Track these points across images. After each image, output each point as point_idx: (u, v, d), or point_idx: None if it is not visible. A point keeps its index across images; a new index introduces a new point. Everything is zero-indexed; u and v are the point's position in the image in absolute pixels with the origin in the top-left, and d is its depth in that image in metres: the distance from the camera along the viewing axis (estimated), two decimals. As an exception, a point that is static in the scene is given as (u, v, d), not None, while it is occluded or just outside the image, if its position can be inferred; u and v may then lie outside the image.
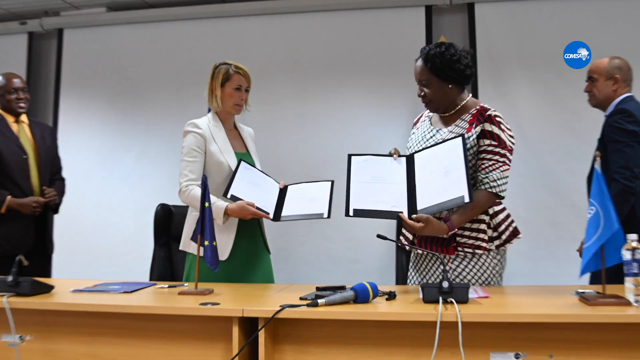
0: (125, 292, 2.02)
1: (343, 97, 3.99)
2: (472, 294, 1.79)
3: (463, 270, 2.15)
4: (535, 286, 2.24)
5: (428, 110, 2.37)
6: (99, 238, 4.15)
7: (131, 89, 4.26)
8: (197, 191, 2.39)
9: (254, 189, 2.44)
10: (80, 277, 2.78)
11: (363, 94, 3.97)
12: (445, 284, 1.65)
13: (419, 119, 2.44)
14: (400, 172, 2.17)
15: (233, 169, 2.47)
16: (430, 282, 2.23)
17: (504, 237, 2.17)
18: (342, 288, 1.89)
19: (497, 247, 2.17)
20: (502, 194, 2.13)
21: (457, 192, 2.01)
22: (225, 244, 2.44)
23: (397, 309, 1.68)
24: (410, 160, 2.20)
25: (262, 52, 4.02)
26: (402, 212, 2.06)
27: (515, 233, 2.20)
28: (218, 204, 2.38)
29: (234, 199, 2.37)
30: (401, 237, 2.33)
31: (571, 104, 3.68)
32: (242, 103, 2.57)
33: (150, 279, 2.94)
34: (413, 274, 2.34)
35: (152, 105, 4.23)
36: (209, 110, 2.67)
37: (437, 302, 1.62)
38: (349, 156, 2.22)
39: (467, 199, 2.00)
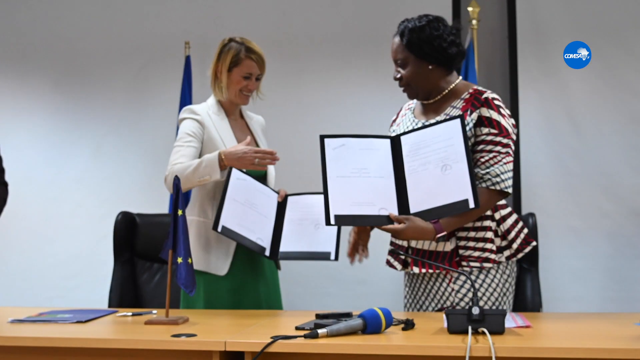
0: (78, 321, 2.04)
1: (346, 78, 4.01)
2: (509, 323, 1.82)
3: (469, 290, 2.20)
4: (589, 313, 2.28)
5: (408, 103, 2.46)
6: (44, 255, 4.17)
7: (83, 68, 4.28)
8: (179, 166, 2.43)
9: (249, 212, 2.45)
10: (20, 304, 2.82)
11: (371, 75, 3.99)
12: (476, 310, 1.68)
13: (397, 114, 2.52)
14: (386, 161, 2.22)
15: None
16: (427, 308, 2.29)
17: (515, 245, 2.24)
18: (348, 315, 1.91)
19: (507, 258, 2.24)
20: (507, 191, 2.19)
21: (458, 194, 2.08)
22: (223, 256, 2.49)
23: (416, 341, 1.70)
24: (396, 144, 2.23)
25: (246, 23, 4.04)
26: (391, 214, 2.14)
27: (527, 240, 2.27)
28: (207, 156, 2.40)
29: (226, 232, 2.39)
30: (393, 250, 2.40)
31: (639, 86, 3.71)
32: (250, 92, 2.62)
33: (110, 306, 2.97)
34: (408, 300, 2.40)
35: (110, 88, 4.25)
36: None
37: (465, 332, 1.64)
38: (322, 138, 2.23)
39: (472, 204, 2.06)
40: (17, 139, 4.26)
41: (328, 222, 2.15)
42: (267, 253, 2.45)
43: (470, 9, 3.81)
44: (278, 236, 2.49)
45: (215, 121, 2.58)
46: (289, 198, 2.57)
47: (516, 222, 2.28)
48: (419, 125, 2.32)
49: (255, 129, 2.73)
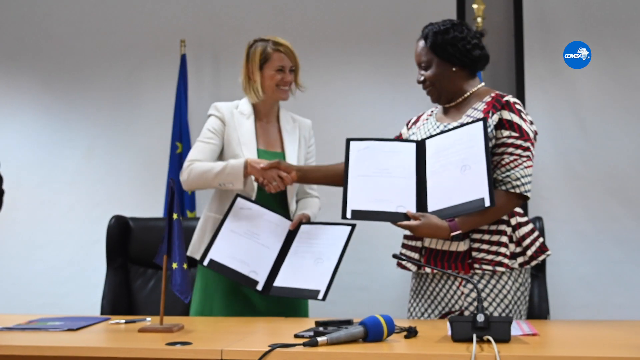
0: (69, 329, 2.05)
1: (347, 76, 4.02)
2: (515, 331, 1.82)
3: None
4: (598, 321, 2.29)
5: (431, 109, 2.54)
6: (34, 260, 4.17)
7: (74, 67, 4.29)
8: (202, 164, 2.50)
9: (247, 243, 2.46)
10: (9, 312, 2.81)
11: (372, 73, 4.00)
12: (481, 318, 1.68)
13: (418, 118, 2.58)
14: (409, 163, 2.31)
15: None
16: (434, 311, 2.33)
17: (529, 252, 2.27)
18: (349, 322, 1.92)
19: (521, 265, 2.27)
20: (527, 195, 2.24)
21: (475, 194, 2.13)
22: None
23: (419, 349, 1.70)
24: (421, 148, 2.32)
25: (243, 21, 4.05)
26: (408, 211, 2.22)
27: (542, 249, 2.31)
28: (232, 161, 2.48)
29: (214, 265, 2.40)
30: (402, 252, 2.44)
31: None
32: (287, 86, 2.67)
33: (102, 313, 2.97)
34: (413, 302, 2.43)
35: (102, 88, 4.25)
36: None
37: (470, 340, 1.64)
38: (347, 141, 2.38)
39: (487, 203, 2.11)
40: (6, 141, 4.26)
41: (344, 216, 2.25)
42: (260, 287, 2.42)
43: (475, 6, 3.81)
44: (278, 268, 2.47)
45: (239, 121, 2.62)
46: (302, 227, 2.55)
47: (532, 231, 2.32)
48: (440, 128, 2.38)
49: (289, 133, 2.73)
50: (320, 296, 2.33)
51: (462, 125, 2.27)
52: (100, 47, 4.25)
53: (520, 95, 3.82)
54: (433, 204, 2.22)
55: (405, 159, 2.31)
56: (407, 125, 2.61)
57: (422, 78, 2.41)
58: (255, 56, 2.65)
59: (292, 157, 2.68)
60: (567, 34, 3.76)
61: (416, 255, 2.36)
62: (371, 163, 2.32)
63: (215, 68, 4.12)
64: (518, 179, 2.22)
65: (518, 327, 1.90)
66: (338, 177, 2.43)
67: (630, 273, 3.61)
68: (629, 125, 3.73)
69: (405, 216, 2.22)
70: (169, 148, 3.98)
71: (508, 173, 2.23)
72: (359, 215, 2.26)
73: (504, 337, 1.69)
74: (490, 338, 1.64)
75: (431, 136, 2.34)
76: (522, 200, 2.26)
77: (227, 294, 2.54)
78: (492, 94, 2.34)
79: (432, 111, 2.55)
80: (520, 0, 3.88)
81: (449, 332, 1.76)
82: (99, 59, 4.25)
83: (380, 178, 2.29)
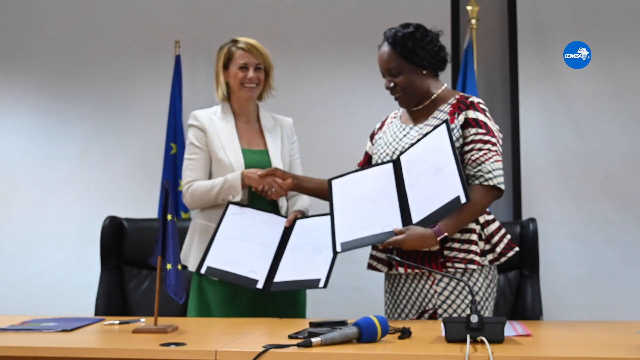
0: (63, 330, 2.05)
1: (341, 78, 4.03)
2: (508, 331, 1.83)
3: (452, 292, 2.26)
4: (591, 322, 2.30)
5: (394, 112, 2.56)
6: (27, 261, 4.16)
7: (69, 67, 4.28)
8: (201, 185, 2.57)
9: (243, 246, 2.47)
10: (3, 312, 2.81)
11: (369, 74, 3.99)
12: (474, 318, 1.69)
13: (383, 122, 2.58)
14: (389, 183, 2.32)
15: (235, 168, 2.57)
16: (410, 312, 2.34)
17: (498, 249, 2.29)
18: (343, 323, 1.92)
19: (491, 262, 2.29)
20: (501, 187, 2.25)
21: (450, 193, 2.13)
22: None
23: (413, 350, 1.71)
24: (397, 165, 2.34)
25: (237, 21, 4.05)
26: (395, 228, 2.21)
27: (511, 246, 2.33)
28: (229, 176, 2.53)
29: (211, 272, 2.41)
30: (373, 254, 2.46)
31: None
32: (252, 83, 2.67)
33: (96, 314, 2.97)
34: (389, 303, 2.44)
35: (98, 88, 4.25)
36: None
37: (463, 341, 1.65)
38: (329, 182, 2.43)
39: (463, 199, 2.11)
40: (0, 141, 4.25)
41: (335, 251, 2.27)
42: (260, 285, 2.41)
43: (469, 8, 3.83)
44: (277, 265, 2.47)
45: (218, 125, 2.65)
46: (297, 222, 2.56)
47: (499, 228, 2.34)
48: (406, 130, 2.41)
49: (271, 132, 2.75)
50: (321, 284, 2.32)
51: (428, 133, 2.29)
52: (95, 47, 4.25)
53: (514, 96, 3.83)
54: (416, 215, 2.22)
55: (384, 180, 2.33)
56: (372, 137, 2.60)
57: (392, 84, 2.39)
58: (221, 57, 2.69)
59: (276, 155, 2.69)
60: (561, 35, 3.77)
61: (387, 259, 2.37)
62: (353, 194, 2.35)
63: (210, 69, 4.07)
64: (490, 171, 2.23)
65: (512, 328, 1.91)
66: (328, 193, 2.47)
67: (623, 274, 3.62)
68: (623, 126, 3.74)
69: (393, 234, 2.21)
70: (164, 149, 3.98)
71: (479, 167, 2.24)
72: (349, 245, 2.25)
73: (497, 338, 1.69)
74: (484, 339, 1.65)
75: (403, 152, 2.35)
76: (497, 192, 2.26)
77: (223, 301, 2.54)
78: (457, 96, 2.37)
79: (395, 113, 2.56)
80: (514, 2, 3.90)
81: (443, 333, 1.77)
82: (94, 60, 4.25)
83: (364, 205, 2.31)
